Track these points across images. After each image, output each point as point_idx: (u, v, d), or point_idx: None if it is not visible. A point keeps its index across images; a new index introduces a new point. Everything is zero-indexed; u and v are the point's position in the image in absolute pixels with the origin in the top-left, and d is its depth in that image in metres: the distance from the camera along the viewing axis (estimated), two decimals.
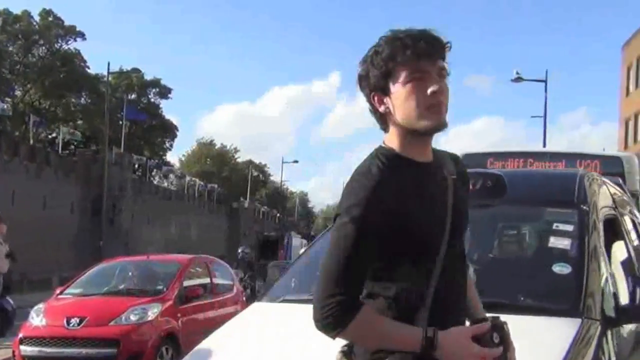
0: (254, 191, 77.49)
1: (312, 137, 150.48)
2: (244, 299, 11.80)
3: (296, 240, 41.21)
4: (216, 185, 64.91)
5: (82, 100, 52.10)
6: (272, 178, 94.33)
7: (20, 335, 8.90)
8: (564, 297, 3.10)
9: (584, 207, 3.62)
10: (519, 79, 32.36)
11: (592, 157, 8.53)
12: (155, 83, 59.12)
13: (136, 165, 47.36)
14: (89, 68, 51.12)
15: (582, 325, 2.83)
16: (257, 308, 3.77)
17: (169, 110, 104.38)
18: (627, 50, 41.36)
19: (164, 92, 60.11)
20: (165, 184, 59.35)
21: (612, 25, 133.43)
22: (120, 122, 48.15)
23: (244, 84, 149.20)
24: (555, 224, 3.75)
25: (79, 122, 51.07)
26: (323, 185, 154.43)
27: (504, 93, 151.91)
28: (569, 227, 3.58)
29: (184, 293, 9.65)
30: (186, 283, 9.92)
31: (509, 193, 3.68)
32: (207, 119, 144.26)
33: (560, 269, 3.28)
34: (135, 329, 8.71)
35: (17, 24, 46.67)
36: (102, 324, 8.73)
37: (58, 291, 10.07)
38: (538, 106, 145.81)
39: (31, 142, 40.94)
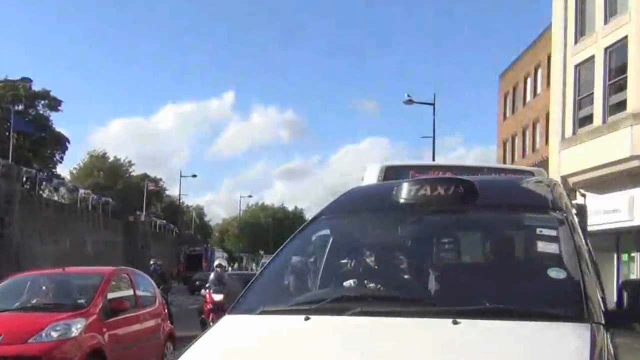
0: (149, 205, 75.52)
1: (207, 153, 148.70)
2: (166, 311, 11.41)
3: (218, 254, 44.86)
4: (111, 199, 62.78)
5: None
6: (167, 193, 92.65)
7: None
8: (567, 302, 3.08)
9: (562, 211, 3.66)
10: (410, 102, 34.63)
11: (509, 170, 9.27)
12: (45, 95, 56.61)
13: (24, 178, 44.99)
14: None
15: (592, 330, 2.83)
16: (234, 321, 3.45)
17: (60, 122, 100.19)
18: (504, 79, 44.32)
19: (54, 104, 57.63)
20: (56, 198, 56.77)
21: (492, 55, 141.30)
22: (7, 134, 45.57)
23: (138, 99, 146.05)
24: (538, 229, 3.80)
25: None
26: (217, 200, 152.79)
27: (389, 115, 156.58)
28: (553, 232, 3.61)
29: (109, 306, 9.16)
30: (110, 296, 9.41)
31: (481, 199, 3.69)
32: (100, 133, 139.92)
33: (557, 273, 3.27)
34: (58, 345, 8.15)
35: None
36: (19, 341, 8.10)
37: None
38: (418, 128, 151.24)
39: None
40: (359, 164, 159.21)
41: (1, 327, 8.29)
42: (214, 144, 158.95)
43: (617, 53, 19.06)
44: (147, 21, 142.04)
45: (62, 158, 61.71)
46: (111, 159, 79.46)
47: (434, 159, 35.98)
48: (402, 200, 3.83)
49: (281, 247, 4.42)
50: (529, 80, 39.37)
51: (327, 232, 4.35)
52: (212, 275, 16.62)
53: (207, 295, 15.94)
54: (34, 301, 9.45)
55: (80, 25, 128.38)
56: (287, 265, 4.18)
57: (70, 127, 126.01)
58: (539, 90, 37.71)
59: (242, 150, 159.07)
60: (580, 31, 21.43)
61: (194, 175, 69.78)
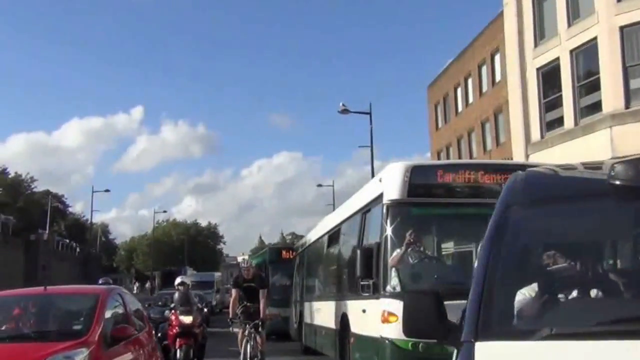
0: (52, 223, 71.15)
1: (113, 169, 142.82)
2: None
3: (190, 271, 54.67)
4: (11, 217, 58.59)
5: None
6: (70, 210, 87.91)
7: None
8: None
9: None
10: (345, 111, 34.13)
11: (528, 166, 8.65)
12: None
13: None
14: None
15: None
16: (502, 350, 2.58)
17: None
18: (433, 90, 44.37)
19: None
20: None
21: (417, 65, 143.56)
22: None
23: (40, 113, 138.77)
24: None
25: None
26: (123, 217, 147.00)
27: (304, 130, 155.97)
28: None
29: (109, 334, 7.38)
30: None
31: None
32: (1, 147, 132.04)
33: None
34: None
35: None
36: None
37: None
38: (334, 141, 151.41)
39: None
40: (272, 178, 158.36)
41: None
42: (120, 160, 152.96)
43: (585, 55, 18.78)
44: (55, 32, 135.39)
45: None
46: (12, 174, 74.57)
47: (372, 169, 35.26)
48: (628, 183, 2.97)
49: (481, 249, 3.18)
50: (459, 91, 39.35)
51: (539, 226, 3.43)
52: (176, 295, 14.53)
53: (173, 318, 13.87)
54: (23, 329, 7.48)
55: None
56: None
57: None
58: (470, 99, 37.71)
59: (151, 166, 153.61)
60: (540, 34, 21.11)
61: (107, 190, 65.84)
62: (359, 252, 9.51)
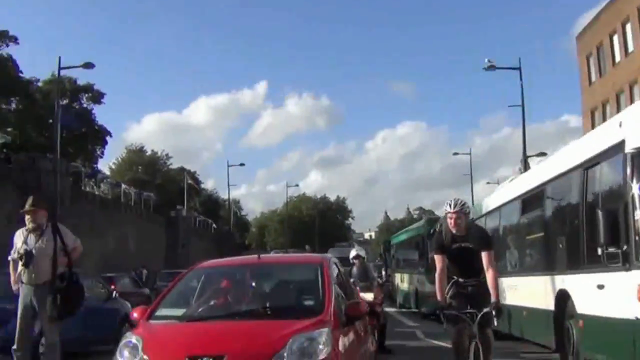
0: (188, 200, 73.10)
1: (240, 145, 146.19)
2: None
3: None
4: (152, 194, 60.48)
5: (13, 106, 46.96)
6: (202, 186, 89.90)
7: None
8: None
9: None
10: (491, 67, 32.45)
11: None
12: (88, 88, 54.37)
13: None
14: (22, 73, 46.11)
15: None
16: None
17: (100, 117, 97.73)
18: (583, 39, 40.72)
19: (97, 97, 55.45)
20: (97, 193, 54.54)
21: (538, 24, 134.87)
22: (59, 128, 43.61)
23: (170, 93, 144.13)
24: None
25: (9, 129, 46.05)
26: (253, 193, 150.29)
27: (427, 98, 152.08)
28: None
29: (346, 311, 6.20)
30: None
31: None
32: (134, 128, 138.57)
33: None
34: None
35: None
36: None
37: (136, 314, 6.18)
38: (458, 110, 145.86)
39: None
40: (396, 150, 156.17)
41: (221, 342, 5.31)
42: (247, 136, 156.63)
43: None
44: (175, 12, 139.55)
45: (102, 153, 59.55)
46: (149, 152, 77.28)
47: (524, 131, 32.83)
48: None
49: None
50: (615, 39, 35.79)
51: None
52: (354, 270, 13.13)
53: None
54: (249, 304, 6.47)
55: (104, 19, 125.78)
56: None
57: (107, 122, 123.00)
58: (630, 47, 34.19)
59: (277, 140, 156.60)
60: None
61: (242, 164, 66.82)
62: (600, 214, 7.53)
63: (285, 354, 5.11)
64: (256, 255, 7.38)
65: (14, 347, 7.41)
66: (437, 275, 7.50)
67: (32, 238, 7.85)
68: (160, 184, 71.93)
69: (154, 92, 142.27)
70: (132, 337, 5.54)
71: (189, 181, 73.06)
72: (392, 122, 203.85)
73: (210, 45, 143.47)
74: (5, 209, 31.69)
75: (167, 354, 5.27)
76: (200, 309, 6.30)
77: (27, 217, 7.97)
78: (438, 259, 7.52)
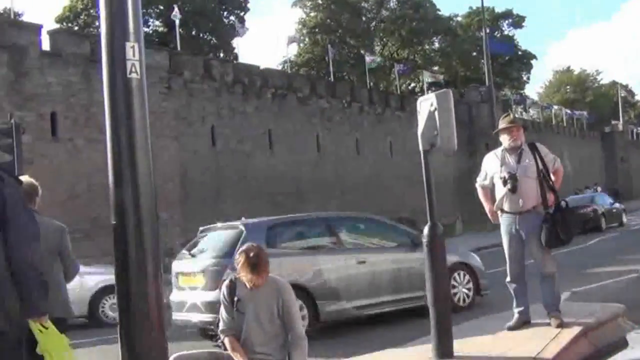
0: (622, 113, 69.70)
1: None
2: None
3: None
4: (585, 112, 59.65)
5: (437, 45, 51.42)
6: (637, 97, 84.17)
7: None
8: None
9: None
10: None
11: None
12: (508, 14, 56.00)
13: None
14: (439, 11, 50.08)
15: None
16: None
17: (521, 42, 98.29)
18: None
19: (518, 22, 56.66)
20: (525, 118, 56.17)
21: None
22: (482, 62, 46.43)
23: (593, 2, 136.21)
24: None
25: (435, 67, 50.55)
26: None
27: None
28: None
29: None
30: None
31: None
32: (556, 46, 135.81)
33: None
34: None
35: None
36: None
37: None
38: None
39: (398, 92, 41.37)
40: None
41: None
42: None
43: None
44: None
45: (528, 78, 60.74)
46: (577, 71, 75.86)
47: None
48: None
49: None
50: None
51: None
52: None
53: None
54: None
55: None
56: None
57: (528, 45, 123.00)
58: None
59: None
60: None
61: None
62: None
63: None
64: None
65: (507, 279, 6.54)
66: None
67: (510, 159, 6.60)
68: (592, 101, 70.20)
69: (577, 4, 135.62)
70: None
71: (623, 94, 69.57)
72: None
73: None
74: None
75: None
76: None
77: (503, 136, 6.63)
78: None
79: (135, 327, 3.42)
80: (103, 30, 3.44)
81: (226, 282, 4.76)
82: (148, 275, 3.42)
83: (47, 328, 3.41)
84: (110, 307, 11.33)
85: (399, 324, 8.74)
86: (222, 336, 4.63)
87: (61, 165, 20.22)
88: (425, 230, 5.89)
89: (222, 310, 4.68)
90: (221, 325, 4.65)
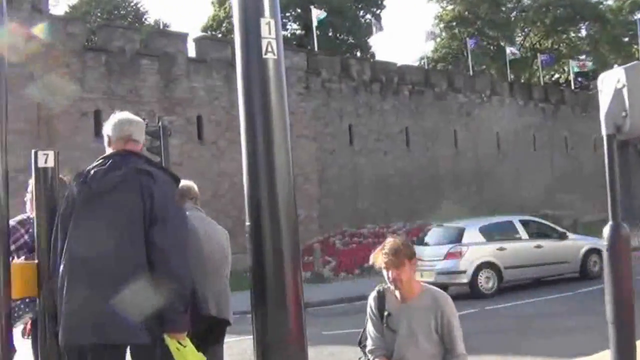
0: None
1: None
2: None
3: None
4: None
5: (583, 32, 48.78)
6: None
7: None
8: None
9: None
10: None
11: None
12: None
13: None
14: None
15: None
16: None
17: None
18: None
19: None
20: None
21: None
22: (635, 47, 43.57)
23: None
24: None
25: (582, 56, 47.98)
26: None
27: None
28: None
29: None
30: None
31: None
32: None
33: None
34: None
35: None
36: None
37: None
38: None
39: (542, 83, 39.75)
40: None
41: None
42: None
43: None
44: None
45: None
46: None
47: None
48: None
49: None
50: None
51: None
52: None
53: None
54: None
55: None
56: None
57: None
58: None
59: None
60: None
61: None
62: None
63: None
64: None
65: None
66: None
67: None
68: None
69: None
70: None
71: None
72: None
73: None
74: (589, 137, 33.81)
75: None
76: None
77: None
78: None
79: (273, 338, 2.83)
80: (235, 6, 2.85)
81: (373, 294, 4.11)
82: (286, 277, 2.83)
83: (185, 346, 3.10)
84: None
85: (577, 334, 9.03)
86: (370, 357, 4.02)
87: (206, 166, 21.23)
88: (606, 231, 4.57)
89: (370, 326, 4.06)
90: (369, 345, 4.04)
